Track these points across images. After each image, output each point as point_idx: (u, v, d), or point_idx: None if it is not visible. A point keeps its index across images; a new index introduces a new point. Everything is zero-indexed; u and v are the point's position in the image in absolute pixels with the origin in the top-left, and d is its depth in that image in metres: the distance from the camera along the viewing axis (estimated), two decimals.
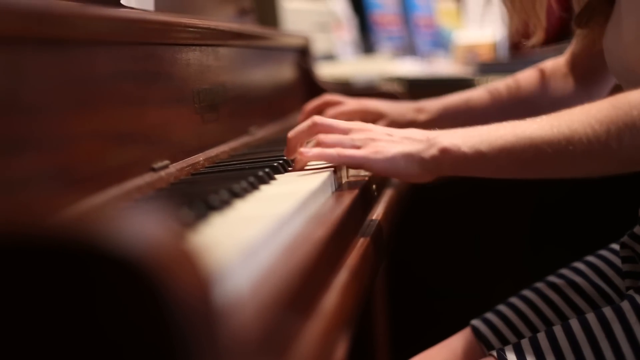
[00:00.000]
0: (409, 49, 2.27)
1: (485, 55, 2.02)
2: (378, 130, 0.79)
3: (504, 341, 0.95)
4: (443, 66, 2.05)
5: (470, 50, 2.05)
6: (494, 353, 0.84)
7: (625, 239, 0.92)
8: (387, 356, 1.61)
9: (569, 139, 0.72)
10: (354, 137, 0.78)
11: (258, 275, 0.45)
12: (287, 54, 1.47)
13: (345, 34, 2.21)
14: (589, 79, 1.13)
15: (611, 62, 0.91)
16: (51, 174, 0.58)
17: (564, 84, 1.15)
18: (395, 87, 1.64)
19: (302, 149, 0.80)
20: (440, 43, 2.35)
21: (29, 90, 0.57)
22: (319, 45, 1.84)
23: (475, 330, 0.97)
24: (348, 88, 1.62)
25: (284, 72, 1.44)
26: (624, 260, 0.91)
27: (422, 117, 1.20)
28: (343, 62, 2.04)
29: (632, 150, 0.72)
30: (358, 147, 0.77)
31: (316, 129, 0.81)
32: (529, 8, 1.02)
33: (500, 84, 1.21)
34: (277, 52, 1.41)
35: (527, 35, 2.07)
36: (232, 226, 0.54)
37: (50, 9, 0.60)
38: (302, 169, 0.82)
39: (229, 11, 1.43)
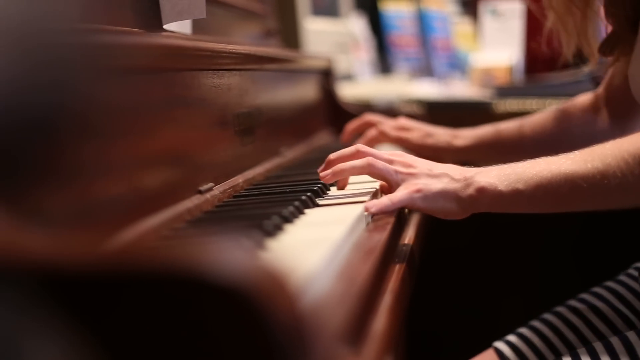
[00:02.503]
0: (425, 71, 2.30)
1: (502, 79, 2.04)
2: (419, 164, 0.81)
3: None
4: (459, 88, 2.08)
5: (487, 73, 2.07)
6: None
7: None
8: None
9: (603, 173, 0.75)
10: (397, 169, 0.81)
11: (324, 299, 0.48)
12: (311, 75, 1.50)
13: (364, 54, 2.24)
14: (623, 114, 1.12)
15: (636, 90, 0.93)
16: (113, 197, 0.61)
17: (596, 119, 1.14)
18: (415, 109, 1.67)
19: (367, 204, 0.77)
20: (457, 65, 2.38)
21: (96, 118, 0.60)
22: (338, 65, 1.87)
23: (499, 353, 0.99)
24: (369, 109, 1.65)
25: (309, 93, 1.47)
26: None
27: (458, 142, 1.23)
28: (361, 83, 2.06)
29: None
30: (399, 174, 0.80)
31: (359, 156, 0.83)
32: (582, 34, 1.02)
33: (530, 121, 1.20)
34: (303, 73, 1.44)
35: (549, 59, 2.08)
36: (291, 251, 0.57)
37: (120, 41, 0.64)
38: (343, 187, 0.85)
39: (254, 32, 1.46)
